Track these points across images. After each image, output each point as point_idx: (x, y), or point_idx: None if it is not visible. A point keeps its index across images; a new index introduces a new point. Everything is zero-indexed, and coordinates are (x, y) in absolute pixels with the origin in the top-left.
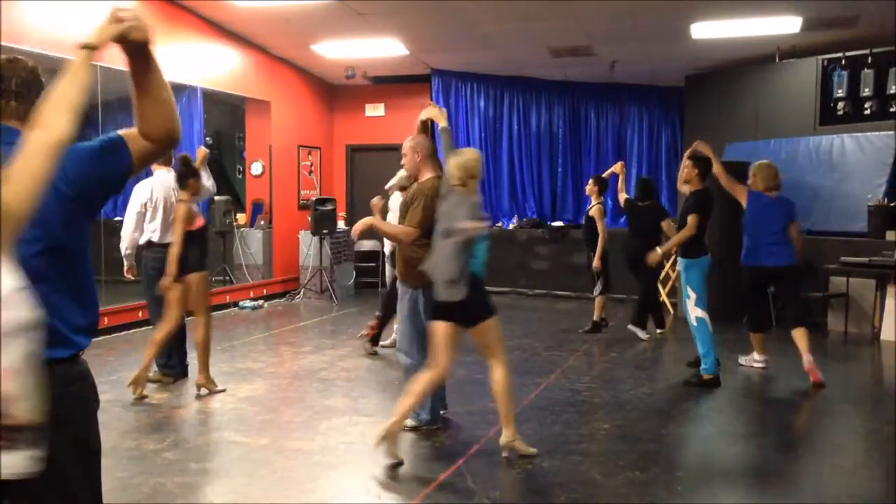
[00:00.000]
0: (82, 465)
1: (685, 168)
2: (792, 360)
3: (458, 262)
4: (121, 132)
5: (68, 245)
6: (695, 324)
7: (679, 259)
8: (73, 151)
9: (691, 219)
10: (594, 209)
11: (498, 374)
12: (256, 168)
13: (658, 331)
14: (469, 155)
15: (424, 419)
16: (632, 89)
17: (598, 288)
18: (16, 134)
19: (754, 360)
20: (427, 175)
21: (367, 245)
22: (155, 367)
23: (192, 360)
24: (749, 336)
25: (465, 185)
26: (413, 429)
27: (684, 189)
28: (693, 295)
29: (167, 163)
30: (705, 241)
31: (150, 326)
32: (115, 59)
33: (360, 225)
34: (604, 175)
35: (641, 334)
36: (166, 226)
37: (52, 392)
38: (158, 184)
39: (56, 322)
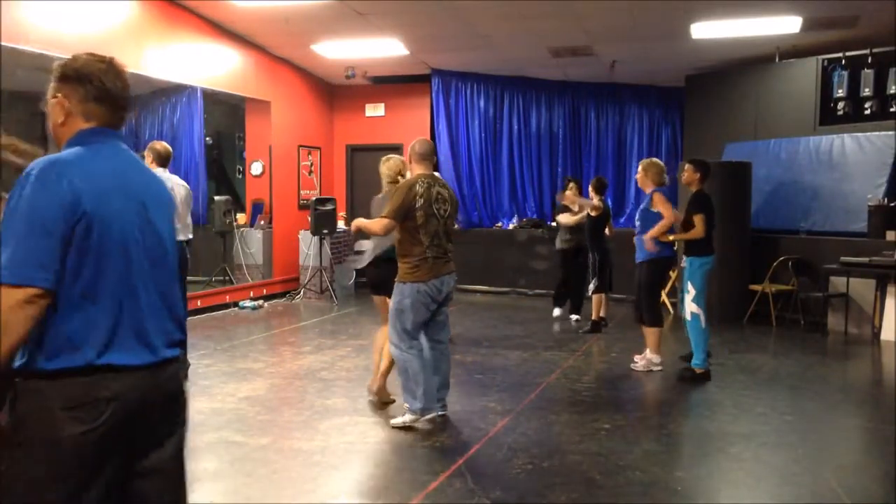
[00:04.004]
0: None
1: (685, 172)
2: (792, 360)
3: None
4: None
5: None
6: (688, 318)
7: (685, 257)
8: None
9: (698, 219)
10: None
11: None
12: (256, 168)
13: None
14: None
15: (417, 408)
16: (632, 89)
17: (591, 286)
18: (105, 134)
19: (653, 362)
20: (414, 174)
21: (367, 245)
22: None
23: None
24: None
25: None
26: (409, 428)
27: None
28: (693, 291)
29: (162, 162)
30: (712, 241)
31: None
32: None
33: (354, 223)
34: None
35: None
36: None
37: (181, 384)
38: None
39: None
